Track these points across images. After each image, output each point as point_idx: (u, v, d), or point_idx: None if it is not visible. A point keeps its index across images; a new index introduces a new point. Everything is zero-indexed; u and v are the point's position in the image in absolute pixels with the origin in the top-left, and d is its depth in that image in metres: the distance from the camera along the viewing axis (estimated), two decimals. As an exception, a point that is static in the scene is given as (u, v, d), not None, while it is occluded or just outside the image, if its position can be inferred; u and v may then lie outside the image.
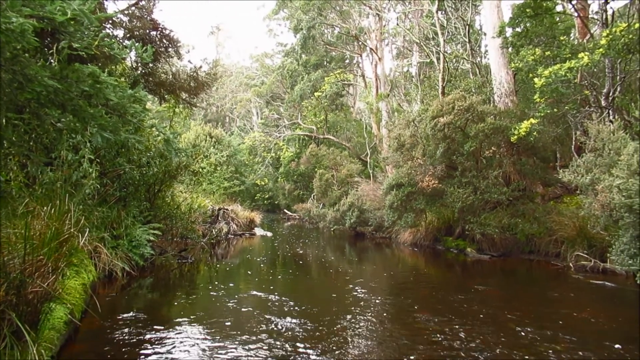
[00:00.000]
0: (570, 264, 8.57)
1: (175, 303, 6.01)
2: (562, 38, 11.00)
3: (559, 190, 11.67)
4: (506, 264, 9.60)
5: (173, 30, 10.24)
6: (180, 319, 4.94)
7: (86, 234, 5.36)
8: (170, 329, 4.54)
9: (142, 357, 3.77)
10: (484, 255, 10.36)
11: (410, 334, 4.60)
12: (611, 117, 9.59)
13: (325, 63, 30.41)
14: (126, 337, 4.24)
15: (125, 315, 5.00)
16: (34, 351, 2.97)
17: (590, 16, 12.81)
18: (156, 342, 4.13)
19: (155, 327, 4.60)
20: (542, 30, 11.24)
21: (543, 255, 9.72)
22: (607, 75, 9.97)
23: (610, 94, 9.86)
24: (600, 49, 8.67)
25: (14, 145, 4.46)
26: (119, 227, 7.44)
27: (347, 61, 31.64)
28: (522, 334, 4.58)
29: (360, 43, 25.62)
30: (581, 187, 7.97)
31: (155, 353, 3.86)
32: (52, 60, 4.00)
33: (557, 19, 11.86)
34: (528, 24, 11.39)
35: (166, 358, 3.75)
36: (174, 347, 4.02)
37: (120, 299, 5.90)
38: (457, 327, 4.78)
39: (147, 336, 4.29)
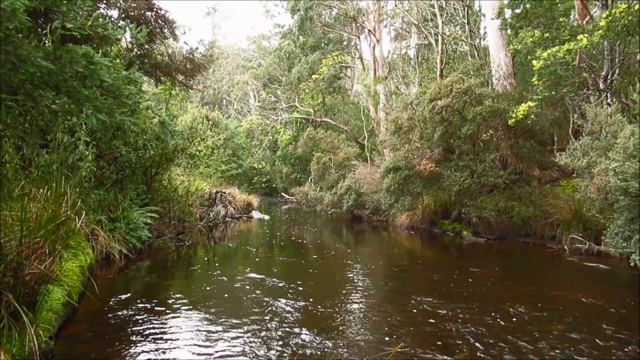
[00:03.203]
0: (565, 247, 8.63)
1: (173, 285, 6.05)
2: (561, 19, 10.90)
3: (556, 174, 11.69)
4: (502, 247, 9.67)
5: (168, 11, 10.10)
6: (177, 301, 4.98)
7: (83, 217, 5.35)
8: (168, 311, 4.58)
9: (140, 337, 3.81)
10: (480, 238, 10.43)
11: (405, 315, 4.65)
12: (609, 100, 9.55)
13: (322, 45, 30.12)
14: (124, 318, 4.28)
15: (122, 296, 5.03)
16: (32, 332, 2.99)
17: (590, -3, 12.69)
18: (153, 323, 4.16)
19: (152, 308, 4.64)
20: (541, 11, 11.12)
21: (539, 238, 9.78)
22: (606, 58, 9.90)
23: (609, 77, 9.81)
24: (600, 31, 8.59)
25: (9, 127, 4.43)
26: (116, 209, 7.44)
27: (345, 43, 31.35)
28: (516, 315, 4.63)
29: (358, 24, 25.36)
30: (577, 170, 7.97)
31: (152, 333, 3.90)
32: (45, 41, 3.95)
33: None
34: (527, 5, 11.26)
35: (163, 338, 3.79)
36: (171, 327, 4.06)
37: (118, 281, 5.94)
38: (451, 308, 4.83)
39: (145, 317, 4.32)
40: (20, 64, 3.16)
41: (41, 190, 4.15)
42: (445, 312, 4.70)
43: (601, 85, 9.98)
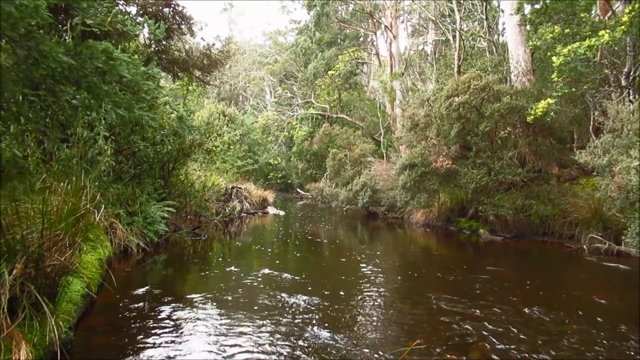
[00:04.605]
0: (584, 246, 8.49)
1: (189, 279, 6.12)
2: (582, 15, 10.68)
3: (575, 172, 11.51)
4: (519, 246, 9.56)
5: (186, 7, 10.19)
6: (193, 295, 5.03)
7: (102, 210, 5.44)
8: (184, 304, 4.63)
9: (156, 329, 3.86)
10: (496, 237, 10.32)
11: (420, 313, 4.63)
12: (631, 97, 9.36)
13: (339, 41, 30.02)
14: (141, 311, 4.34)
15: (140, 289, 5.11)
16: (52, 322, 3.05)
17: (613, -8, 12.42)
18: (170, 316, 4.22)
19: (169, 301, 4.69)
20: (561, 6, 10.92)
21: (557, 237, 9.63)
22: (628, 54, 9.69)
23: (631, 73, 9.60)
24: (622, 26, 8.41)
25: (30, 121, 4.52)
26: (134, 203, 7.54)
27: (361, 39, 31.18)
28: (533, 315, 4.58)
29: (374, 20, 25.18)
30: (598, 169, 7.85)
31: (168, 326, 3.95)
32: (66, 37, 4.01)
33: (578, -5, 11.51)
34: (547, 1, 11.07)
35: (179, 331, 3.84)
36: (187, 321, 4.11)
37: (136, 274, 6.02)
38: (467, 307, 4.79)
39: (161, 310, 4.38)
40: (41, 60, 3.22)
41: (62, 183, 4.23)
42: (460, 310, 4.67)
43: (623, 82, 9.78)
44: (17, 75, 3.27)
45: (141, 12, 9.57)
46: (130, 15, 9.10)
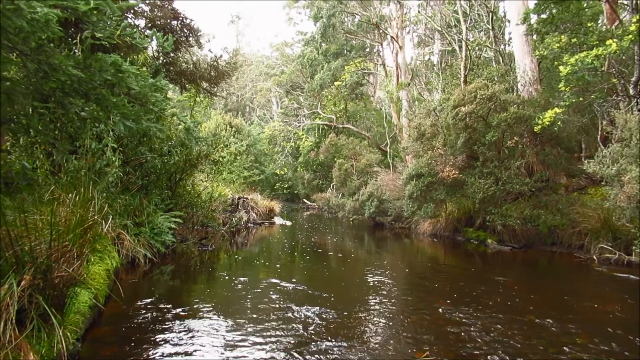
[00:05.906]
0: (594, 257, 8.40)
1: (196, 289, 6.11)
2: (589, 24, 10.66)
3: (584, 182, 11.42)
4: (527, 256, 9.47)
5: (194, 20, 10.32)
6: (200, 305, 5.02)
7: (109, 221, 5.46)
8: (191, 315, 4.62)
9: (163, 340, 3.86)
10: (504, 247, 10.24)
11: (429, 324, 4.59)
12: (639, 106, 9.31)
13: (345, 52, 30.14)
14: (148, 322, 4.34)
15: (147, 300, 5.10)
16: (60, 333, 3.06)
17: (619, 1, 12.39)
18: (176, 327, 4.21)
19: (176, 312, 4.69)
20: (568, 16, 10.91)
21: (566, 247, 9.54)
22: (636, 63, 9.64)
23: (639, 82, 9.56)
24: (630, 36, 8.39)
25: (40, 133, 4.57)
26: (141, 214, 7.57)
27: (367, 50, 31.31)
28: (543, 326, 4.52)
29: (380, 31, 25.29)
30: (606, 178, 7.79)
31: (175, 337, 3.94)
32: (75, 50, 4.07)
33: (585, 4, 11.49)
34: (554, 10, 11.07)
35: (186, 342, 3.83)
36: (193, 331, 4.10)
37: (143, 285, 6.02)
38: (476, 318, 4.75)
39: (169, 321, 4.38)
40: (51, 73, 3.26)
41: (70, 195, 4.26)
42: (469, 321, 4.63)
43: (631, 91, 9.73)
44: (27, 88, 3.31)
45: (150, 25, 9.69)
46: (139, 28, 9.21)
